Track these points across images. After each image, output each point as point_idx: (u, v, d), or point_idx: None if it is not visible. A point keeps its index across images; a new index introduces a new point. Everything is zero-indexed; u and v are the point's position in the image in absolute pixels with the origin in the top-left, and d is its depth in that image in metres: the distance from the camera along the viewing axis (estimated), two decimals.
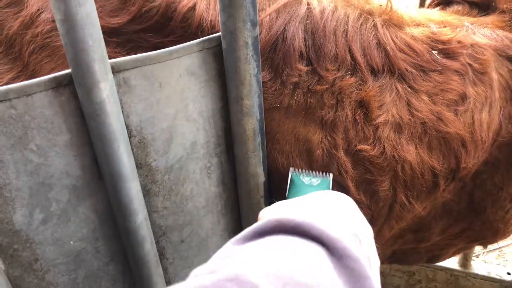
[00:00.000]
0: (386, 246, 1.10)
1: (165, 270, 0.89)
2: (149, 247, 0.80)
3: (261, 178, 0.86)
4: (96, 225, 0.77)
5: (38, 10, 0.86)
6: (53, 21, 0.85)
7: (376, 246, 0.58)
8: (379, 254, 0.56)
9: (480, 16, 1.00)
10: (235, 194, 0.91)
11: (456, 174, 0.93)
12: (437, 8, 1.07)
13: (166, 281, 0.89)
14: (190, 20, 0.83)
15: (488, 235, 1.20)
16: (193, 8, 0.83)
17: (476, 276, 1.67)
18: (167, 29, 0.84)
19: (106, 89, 0.64)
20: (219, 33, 0.74)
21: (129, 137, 0.73)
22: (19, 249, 0.72)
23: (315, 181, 0.83)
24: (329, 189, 0.81)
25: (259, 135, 0.82)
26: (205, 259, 0.93)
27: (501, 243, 2.10)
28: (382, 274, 1.79)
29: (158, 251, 0.85)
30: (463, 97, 0.88)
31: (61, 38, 0.60)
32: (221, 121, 0.83)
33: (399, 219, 0.99)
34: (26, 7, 0.87)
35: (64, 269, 0.77)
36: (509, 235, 1.24)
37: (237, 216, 0.94)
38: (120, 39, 0.85)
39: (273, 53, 0.83)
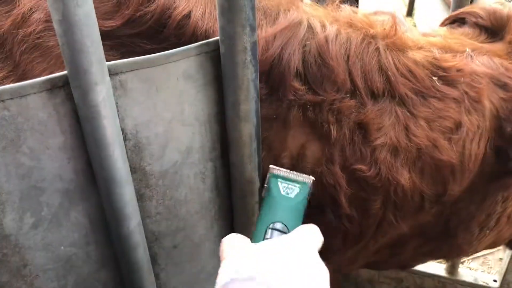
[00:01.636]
0: (364, 257, 1.11)
1: (156, 276, 0.87)
2: (141, 253, 0.79)
3: (256, 184, 0.86)
4: (88, 230, 0.76)
5: (31, 9, 0.84)
6: (46, 21, 0.83)
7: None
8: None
9: (487, 42, 1.00)
10: (229, 199, 0.91)
11: (440, 199, 0.94)
12: (448, 26, 1.07)
13: None
14: (185, 28, 0.82)
15: (453, 255, 1.29)
16: (188, 15, 0.82)
17: (463, 283, 1.69)
18: (160, 36, 0.83)
19: (102, 92, 0.63)
20: (217, 38, 0.74)
21: (124, 141, 0.72)
22: (8, 254, 0.70)
23: (292, 189, 0.78)
24: (306, 198, 0.78)
25: (255, 141, 0.81)
26: (197, 265, 0.93)
27: (485, 251, 2.13)
28: (371, 281, 1.79)
29: (150, 257, 0.84)
30: (458, 125, 0.89)
31: (58, 39, 0.58)
32: (217, 126, 0.82)
33: (384, 234, 1.01)
34: (18, 6, 0.85)
35: (54, 275, 0.75)
36: (471, 255, 1.29)
37: (231, 221, 0.93)
38: (113, 43, 0.84)
39: (270, 72, 0.82)
